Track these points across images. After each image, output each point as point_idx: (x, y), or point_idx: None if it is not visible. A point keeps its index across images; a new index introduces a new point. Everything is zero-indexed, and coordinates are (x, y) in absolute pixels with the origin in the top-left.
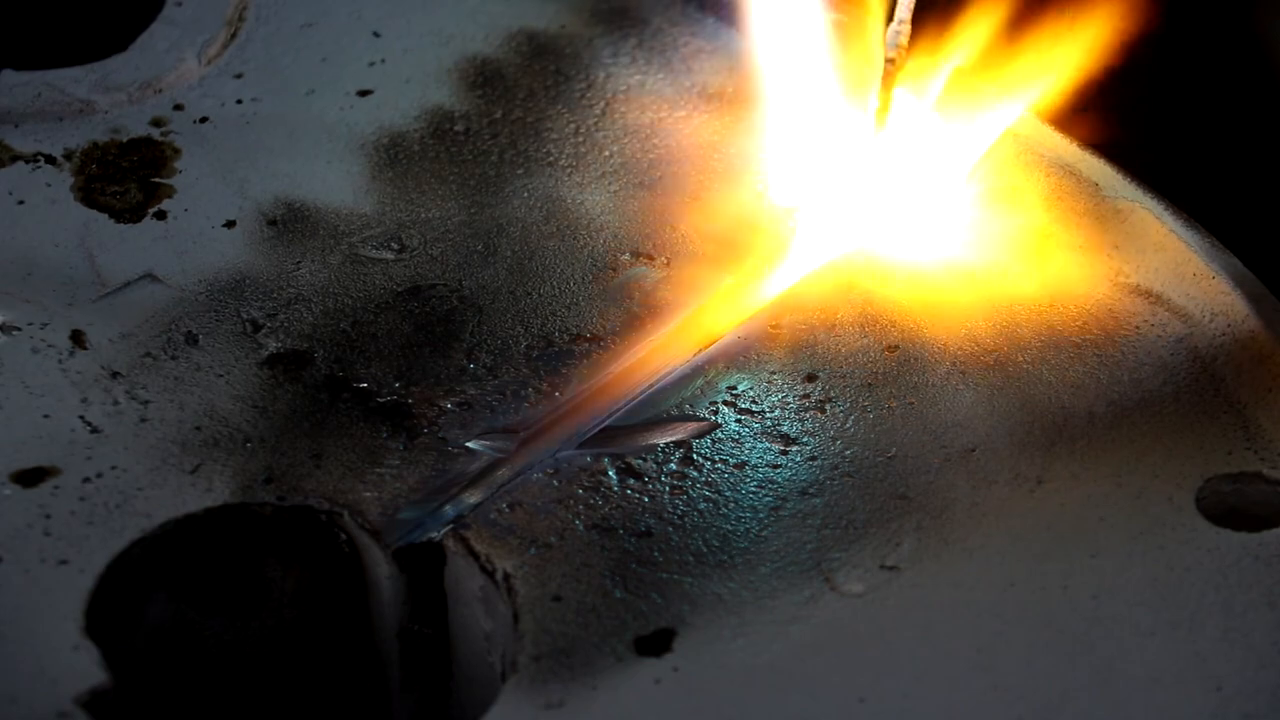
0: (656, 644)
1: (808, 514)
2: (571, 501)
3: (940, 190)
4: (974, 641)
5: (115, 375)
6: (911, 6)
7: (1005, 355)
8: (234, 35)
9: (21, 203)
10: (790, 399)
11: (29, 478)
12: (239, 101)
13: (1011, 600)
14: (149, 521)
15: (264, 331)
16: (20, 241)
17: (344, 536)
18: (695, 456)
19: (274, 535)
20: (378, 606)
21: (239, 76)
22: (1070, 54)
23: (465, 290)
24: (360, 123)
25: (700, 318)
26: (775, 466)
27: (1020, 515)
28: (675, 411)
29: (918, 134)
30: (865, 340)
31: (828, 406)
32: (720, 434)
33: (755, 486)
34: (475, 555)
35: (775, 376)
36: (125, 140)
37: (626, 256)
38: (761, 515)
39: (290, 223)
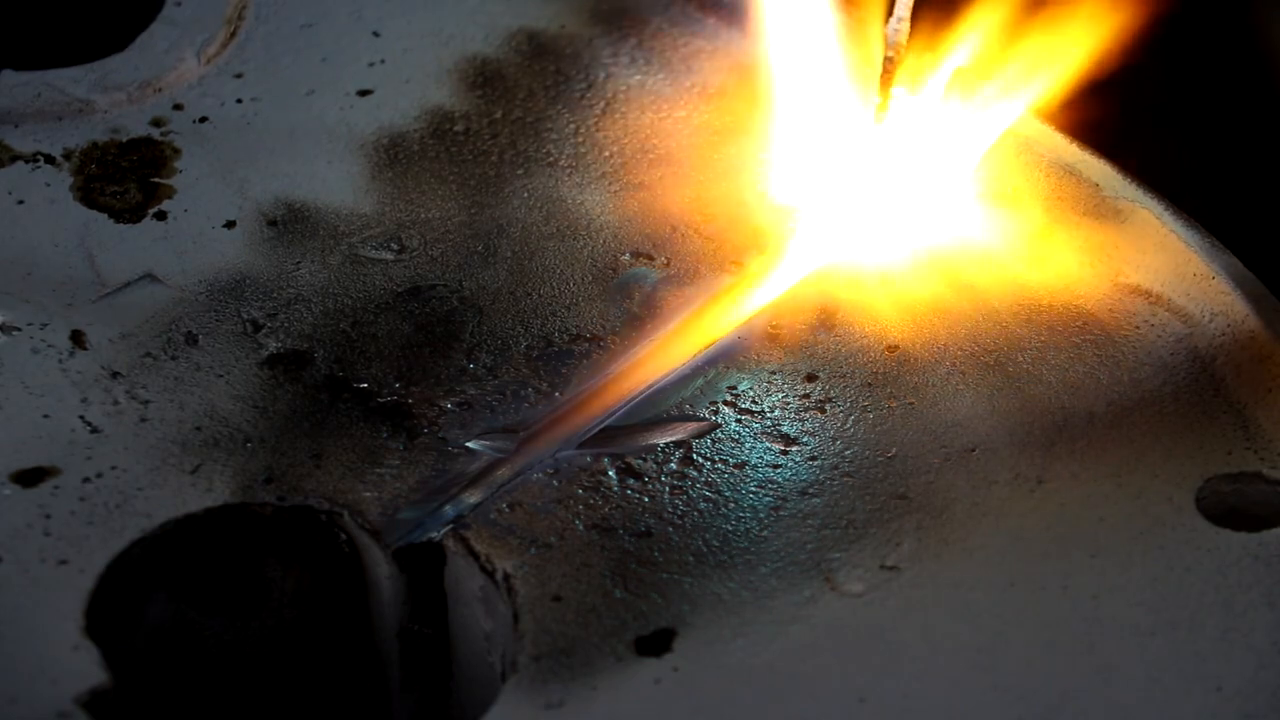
0: (656, 644)
1: (808, 514)
2: (571, 501)
3: (941, 189)
4: (974, 641)
5: (115, 375)
6: (910, 4)
7: (1005, 355)
8: (233, 35)
9: (21, 203)
10: (790, 399)
11: (29, 478)
12: (239, 101)
13: (1011, 600)
14: (149, 521)
15: (264, 332)
16: (20, 241)
17: (344, 536)
18: (695, 456)
19: (274, 535)
20: (378, 606)
21: (239, 76)
22: (1070, 53)
23: (465, 290)
24: (360, 123)
25: (700, 318)
26: (775, 466)
27: (1020, 515)
28: (675, 411)
29: (918, 132)
30: (865, 340)
31: (828, 406)
32: (720, 434)
33: (755, 486)
34: (475, 555)
35: (775, 376)
36: (125, 140)
37: (626, 256)
38: (761, 515)
39: (290, 223)
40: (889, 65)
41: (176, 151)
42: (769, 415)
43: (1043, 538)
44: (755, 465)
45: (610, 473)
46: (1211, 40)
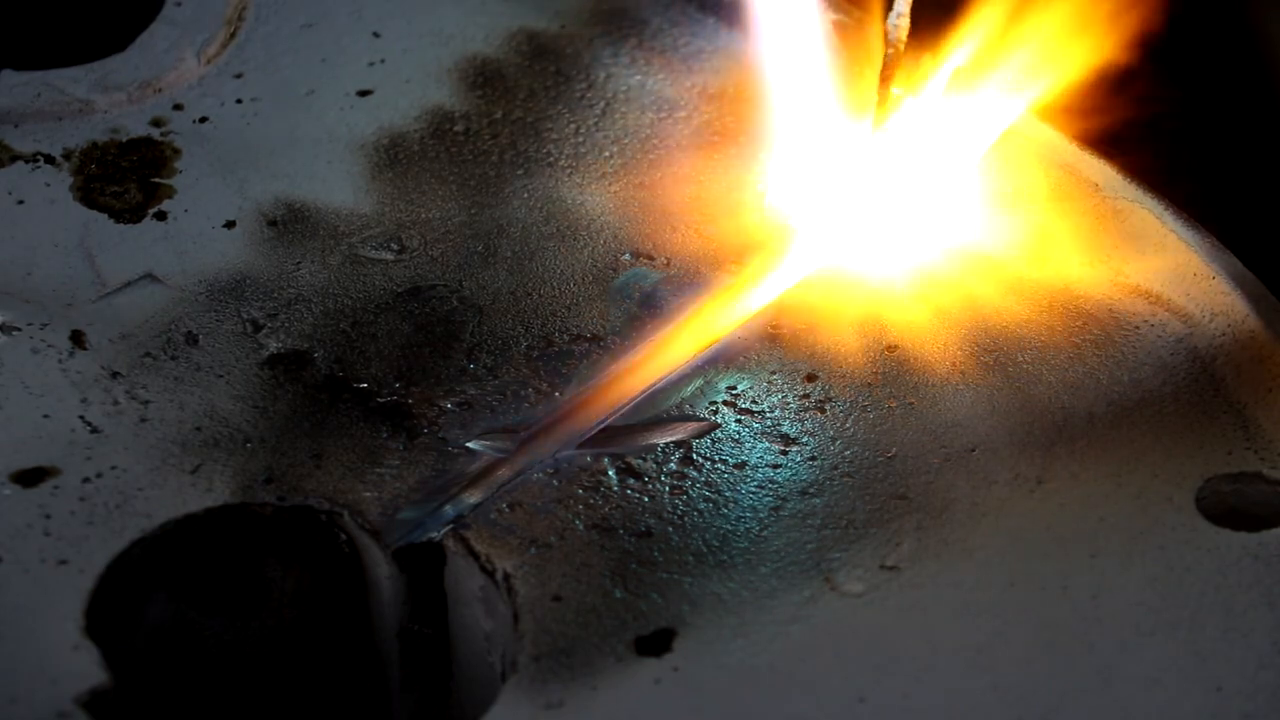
0: (656, 644)
1: (808, 514)
2: (571, 501)
3: (940, 189)
4: (974, 641)
5: (115, 375)
6: (910, 0)
7: (1005, 355)
8: (233, 35)
9: (21, 203)
10: (790, 399)
11: (29, 478)
12: (239, 101)
13: (1011, 600)
14: (149, 521)
15: (264, 332)
16: (20, 241)
17: (344, 536)
18: (695, 456)
19: (274, 535)
20: (378, 606)
21: (239, 76)
22: (1070, 52)
23: (465, 291)
24: (360, 123)
25: (700, 318)
26: (775, 467)
27: (1020, 515)
28: (675, 411)
29: (918, 132)
30: (865, 340)
31: (828, 406)
32: (720, 434)
33: (755, 487)
34: (475, 555)
35: (775, 376)
36: (125, 140)
37: (626, 256)
38: (761, 515)
39: (290, 223)
40: (889, 62)
41: (176, 151)
42: (769, 415)
43: (1043, 538)
44: (755, 465)
45: (610, 473)
46: (1212, 40)
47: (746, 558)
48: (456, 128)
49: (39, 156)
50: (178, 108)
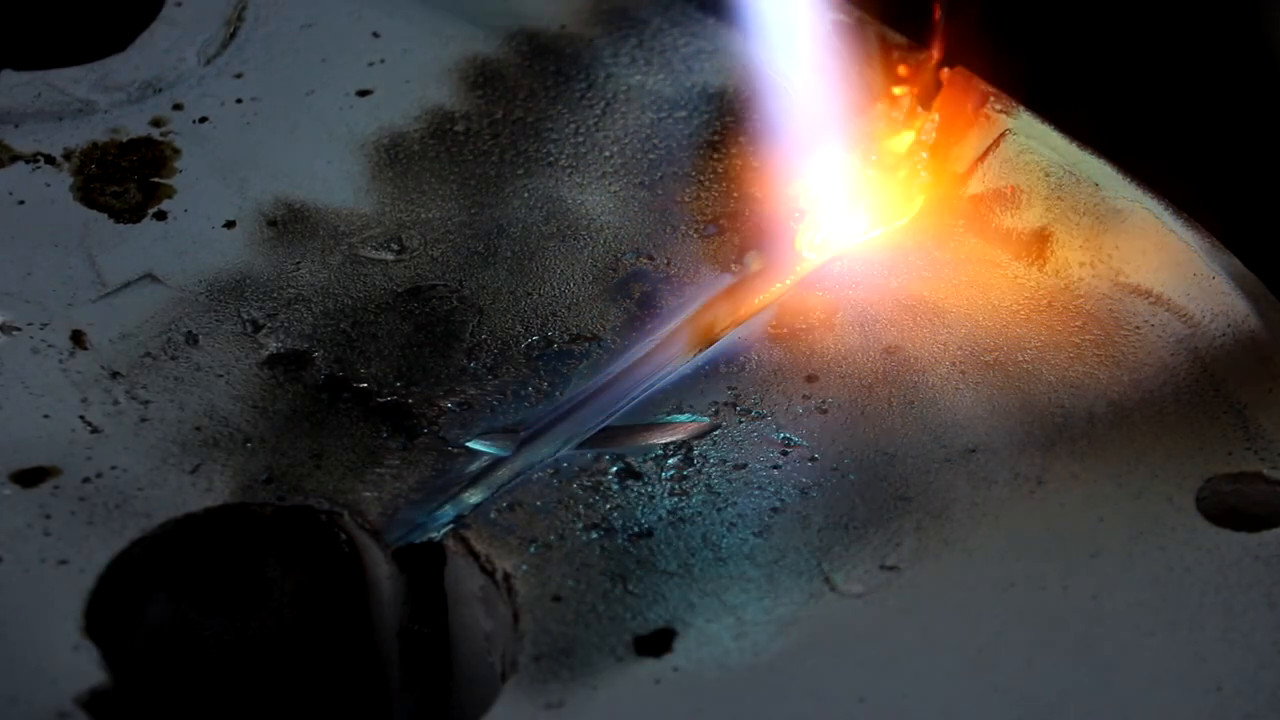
0: (656, 644)
1: (808, 514)
2: (571, 501)
3: (940, 189)
4: (974, 641)
5: (115, 375)
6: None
7: (1005, 355)
8: (233, 35)
9: (22, 203)
10: (790, 399)
11: (29, 478)
12: (239, 101)
13: (1011, 600)
14: (149, 521)
15: (264, 332)
16: (20, 241)
17: (344, 536)
18: (695, 457)
19: (274, 535)
20: (378, 606)
21: (239, 76)
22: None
23: (465, 290)
24: (360, 123)
25: (700, 318)
26: (775, 467)
27: (1020, 515)
28: (675, 411)
29: (916, 131)
30: (865, 340)
31: (828, 407)
32: (720, 434)
33: (755, 487)
34: (475, 555)
35: (775, 377)
36: (125, 140)
37: (626, 256)
38: (761, 515)
39: (290, 223)
40: (889, 60)
41: (176, 151)
42: (769, 416)
43: (1043, 538)
44: (755, 466)
45: (610, 473)
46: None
47: (747, 558)
48: (457, 128)
49: (39, 156)
50: (178, 108)
